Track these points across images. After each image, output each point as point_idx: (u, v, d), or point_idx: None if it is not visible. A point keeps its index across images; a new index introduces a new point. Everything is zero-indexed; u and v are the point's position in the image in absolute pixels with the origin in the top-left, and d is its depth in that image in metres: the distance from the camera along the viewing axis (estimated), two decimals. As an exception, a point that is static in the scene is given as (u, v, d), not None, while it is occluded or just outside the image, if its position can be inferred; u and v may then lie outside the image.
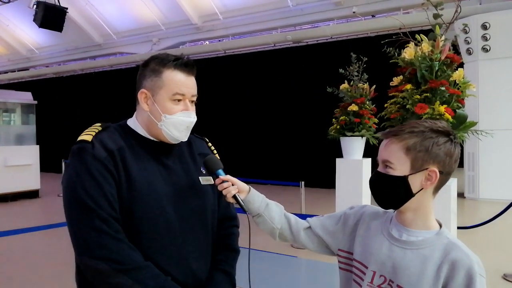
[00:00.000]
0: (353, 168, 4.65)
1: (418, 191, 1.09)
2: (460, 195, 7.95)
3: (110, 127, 1.32)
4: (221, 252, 1.40)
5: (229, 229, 1.45)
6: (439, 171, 1.08)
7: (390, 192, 1.11)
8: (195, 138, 1.50)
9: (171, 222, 1.26)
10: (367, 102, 4.68)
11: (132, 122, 1.36)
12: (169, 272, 1.22)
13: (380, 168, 1.15)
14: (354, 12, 9.50)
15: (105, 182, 1.18)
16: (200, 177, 1.34)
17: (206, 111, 10.36)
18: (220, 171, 1.31)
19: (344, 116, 4.62)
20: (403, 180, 1.09)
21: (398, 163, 1.09)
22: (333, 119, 4.79)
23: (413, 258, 1.08)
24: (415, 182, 1.09)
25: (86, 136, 1.24)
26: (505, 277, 3.92)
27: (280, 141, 10.55)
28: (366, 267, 1.15)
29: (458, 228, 3.82)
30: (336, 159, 4.79)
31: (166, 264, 1.23)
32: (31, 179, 8.84)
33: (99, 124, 1.31)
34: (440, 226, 1.14)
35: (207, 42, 12.15)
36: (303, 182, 5.55)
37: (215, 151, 1.53)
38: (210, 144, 1.55)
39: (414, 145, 1.08)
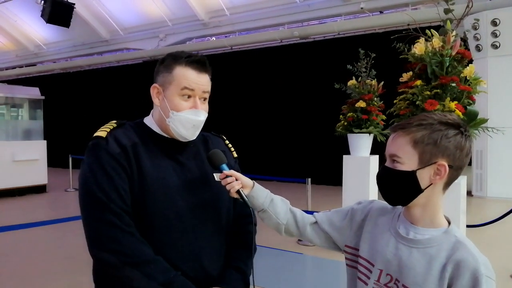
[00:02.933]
0: (360, 165, 4.63)
1: (427, 187, 1.05)
2: (468, 193, 7.89)
3: (126, 124, 1.33)
4: (235, 250, 1.39)
5: (245, 227, 1.43)
6: (448, 165, 1.04)
7: (398, 188, 1.07)
8: (211, 136, 1.49)
9: (182, 217, 1.25)
10: (375, 98, 4.66)
11: (148, 120, 1.37)
12: (180, 267, 1.22)
13: (387, 163, 1.11)
14: (361, 8, 9.43)
15: (117, 176, 1.20)
16: (214, 174, 1.32)
17: (212, 108, 10.32)
18: (224, 166, 1.30)
19: (351, 113, 4.59)
20: (411, 175, 1.05)
21: (406, 157, 1.05)
22: (341, 116, 4.77)
23: (419, 257, 1.04)
24: (423, 177, 1.05)
25: (101, 132, 1.26)
26: (514, 276, 3.88)
27: (287, 138, 10.52)
28: (373, 265, 1.13)
29: (467, 226, 3.78)
30: (343, 156, 4.77)
31: (176, 259, 1.22)
32: (39, 174, 8.89)
33: (114, 121, 1.33)
34: (449, 223, 1.10)
35: (214, 38, 12.13)
36: (309, 179, 5.53)
37: (232, 148, 1.52)
38: (227, 142, 1.53)
39: (422, 138, 1.04)
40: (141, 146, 1.27)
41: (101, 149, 1.22)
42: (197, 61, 1.28)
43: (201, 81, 1.29)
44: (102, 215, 1.16)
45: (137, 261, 1.14)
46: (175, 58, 1.29)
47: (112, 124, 1.31)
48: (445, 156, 1.04)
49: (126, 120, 1.39)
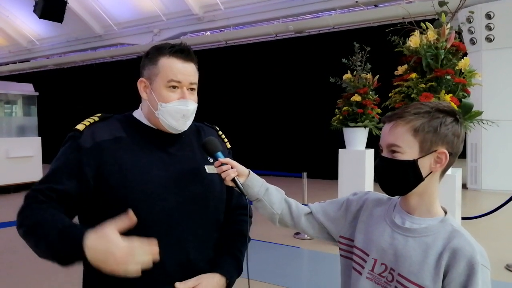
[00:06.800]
0: (356, 158, 4.64)
1: (427, 175, 1.05)
2: (463, 186, 7.93)
3: (112, 117, 1.32)
4: (230, 237, 1.38)
5: (240, 217, 1.43)
6: (448, 153, 1.04)
7: (399, 178, 1.06)
8: (204, 126, 1.48)
9: (169, 210, 1.24)
10: (370, 92, 4.66)
11: (137, 113, 1.36)
12: (165, 261, 1.20)
13: (385, 154, 1.09)
14: (356, 2, 9.42)
15: (67, 170, 1.20)
16: (206, 166, 1.30)
17: (206, 102, 10.31)
18: (219, 154, 1.27)
19: (347, 107, 4.59)
20: (413, 164, 1.04)
21: (407, 146, 1.04)
22: (336, 110, 4.77)
23: (415, 246, 1.04)
24: (424, 165, 1.04)
25: (80, 125, 1.26)
26: (508, 267, 3.92)
27: (282, 132, 10.53)
28: (367, 255, 1.12)
29: (462, 219, 3.81)
30: (339, 150, 4.78)
31: (162, 253, 1.20)
32: (33, 170, 8.83)
33: (99, 114, 1.31)
34: (445, 213, 1.10)
35: (208, 33, 12.08)
36: (305, 173, 5.54)
37: (225, 139, 1.51)
38: (220, 132, 1.52)
39: (422, 126, 1.03)
40: (126, 139, 1.26)
41: (72, 141, 1.23)
42: (181, 51, 1.27)
43: (187, 71, 1.27)
44: (26, 196, 1.19)
45: (28, 225, 1.15)
46: (159, 50, 1.28)
47: (94, 117, 1.29)
48: (444, 144, 1.04)
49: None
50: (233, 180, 1.24)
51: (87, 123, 1.26)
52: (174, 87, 1.26)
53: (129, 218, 1.08)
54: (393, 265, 1.06)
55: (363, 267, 1.12)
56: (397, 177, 1.07)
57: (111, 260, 1.03)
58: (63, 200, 1.17)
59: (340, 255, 1.24)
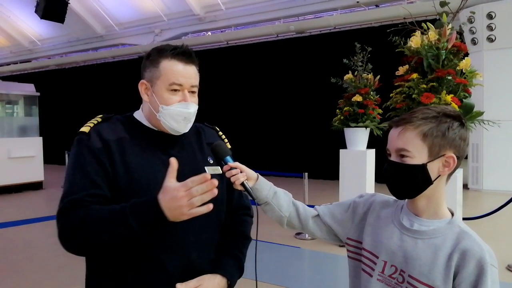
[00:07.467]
0: (357, 159, 4.64)
1: (436, 178, 1.07)
2: (464, 186, 7.92)
3: (113, 118, 1.32)
4: (231, 238, 1.39)
5: (242, 217, 1.44)
6: (456, 156, 1.06)
7: (409, 181, 1.08)
8: (205, 127, 1.48)
9: None
10: (371, 92, 4.66)
11: (138, 114, 1.36)
12: (167, 263, 1.21)
13: (394, 158, 1.10)
14: (357, 2, 9.42)
15: (93, 171, 1.19)
16: (206, 167, 1.31)
17: (208, 103, 10.33)
18: (228, 158, 1.28)
19: (348, 107, 4.59)
20: (422, 168, 1.06)
21: (416, 151, 1.06)
22: (337, 110, 4.77)
23: (425, 248, 1.06)
24: (433, 169, 1.06)
25: (85, 127, 1.26)
26: (509, 268, 3.92)
27: (284, 132, 10.52)
28: (377, 257, 1.14)
29: (463, 219, 3.80)
30: (340, 150, 4.78)
31: (164, 255, 1.21)
32: (35, 170, 8.85)
33: (101, 115, 1.32)
34: (452, 214, 1.12)
35: (210, 33, 12.09)
36: (306, 174, 5.54)
37: (225, 140, 1.51)
38: (221, 133, 1.52)
39: (430, 131, 1.05)
40: (129, 140, 1.26)
41: (83, 145, 1.22)
42: (183, 53, 1.27)
43: (188, 73, 1.28)
44: (62, 207, 1.16)
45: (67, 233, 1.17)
46: (160, 52, 1.27)
47: (97, 119, 1.30)
48: (452, 148, 1.06)
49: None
50: (242, 184, 1.24)
51: (92, 125, 1.27)
52: (175, 90, 1.26)
53: (172, 165, 1.10)
54: (403, 266, 1.08)
55: (373, 269, 1.14)
56: (407, 181, 1.09)
57: (177, 203, 1.06)
58: (102, 204, 1.17)
59: (348, 256, 1.25)
